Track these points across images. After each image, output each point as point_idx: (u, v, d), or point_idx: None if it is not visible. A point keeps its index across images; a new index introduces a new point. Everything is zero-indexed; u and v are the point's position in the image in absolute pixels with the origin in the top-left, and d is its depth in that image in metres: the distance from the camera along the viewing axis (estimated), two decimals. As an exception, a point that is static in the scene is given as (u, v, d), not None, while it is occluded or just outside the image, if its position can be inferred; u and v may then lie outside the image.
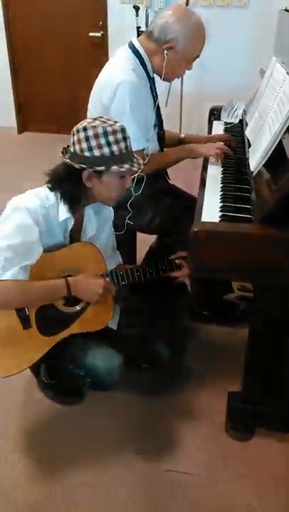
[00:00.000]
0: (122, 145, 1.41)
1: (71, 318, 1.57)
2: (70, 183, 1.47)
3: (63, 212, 1.49)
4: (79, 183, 1.46)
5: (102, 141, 1.38)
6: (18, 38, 4.74)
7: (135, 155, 1.49)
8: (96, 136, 1.38)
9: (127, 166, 1.42)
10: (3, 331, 1.45)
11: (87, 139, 1.39)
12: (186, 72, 1.95)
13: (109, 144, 1.39)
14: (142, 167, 1.47)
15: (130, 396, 1.88)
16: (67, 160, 1.43)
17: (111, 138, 1.38)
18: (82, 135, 1.40)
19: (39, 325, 1.51)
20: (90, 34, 4.52)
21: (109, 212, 1.75)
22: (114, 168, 1.40)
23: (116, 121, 1.45)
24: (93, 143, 1.39)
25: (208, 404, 1.86)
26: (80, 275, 1.54)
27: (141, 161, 1.49)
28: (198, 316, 2.29)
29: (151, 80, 1.90)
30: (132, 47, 1.85)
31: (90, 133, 1.39)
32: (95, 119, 1.43)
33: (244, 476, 1.60)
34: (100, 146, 1.39)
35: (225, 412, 1.77)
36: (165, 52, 1.80)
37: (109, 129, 1.39)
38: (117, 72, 1.79)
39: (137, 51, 1.83)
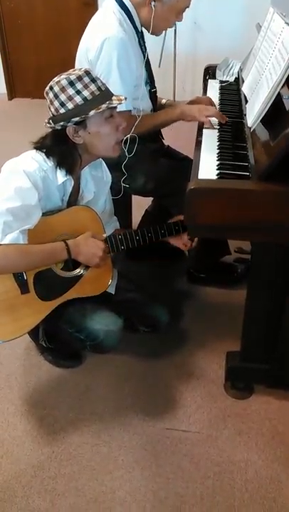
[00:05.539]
0: (93, 87, 1.37)
1: (70, 282, 1.56)
2: (59, 147, 1.44)
3: (61, 175, 1.46)
4: (67, 143, 1.44)
5: (71, 91, 1.35)
6: (5, 0, 4.56)
7: (112, 92, 1.43)
8: (63, 89, 1.36)
9: (104, 105, 1.38)
10: (1, 295, 1.44)
11: (56, 96, 1.37)
12: (179, 30, 1.88)
13: (78, 92, 1.36)
14: (123, 101, 1.42)
15: (130, 357, 1.90)
16: (49, 125, 1.41)
17: (78, 85, 1.36)
18: (51, 95, 1.38)
19: (37, 290, 1.49)
20: (80, -7, 4.36)
21: (107, 176, 1.72)
22: (92, 112, 1.36)
23: (81, 68, 1.41)
24: (63, 97, 1.36)
25: (207, 365, 1.88)
26: (79, 237, 1.51)
27: (122, 97, 1.43)
28: (196, 278, 2.30)
29: (140, 34, 1.83)
30: (118, 0, 1.77)
31: (57, 89, 1.36)
32: (59, 75, 1.40)
33: (243, 432, 1.63)
34: (70, 98, 1.36)
35: (224, 371, 1.79)
36: (152, 4, 1.72)
37: (72, 77, 1.36)
38: (104, 28, 1.72)
39: (123, 4, 1.76)
